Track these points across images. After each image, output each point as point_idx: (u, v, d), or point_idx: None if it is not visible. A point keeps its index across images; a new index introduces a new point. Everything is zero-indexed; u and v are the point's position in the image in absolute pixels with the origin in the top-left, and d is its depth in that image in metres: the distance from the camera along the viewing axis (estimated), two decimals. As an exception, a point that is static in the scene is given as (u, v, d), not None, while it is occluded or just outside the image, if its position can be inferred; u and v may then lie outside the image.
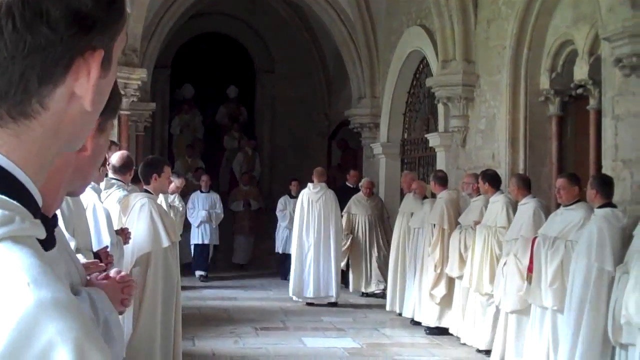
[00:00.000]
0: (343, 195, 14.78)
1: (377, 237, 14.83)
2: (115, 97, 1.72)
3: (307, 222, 13.96)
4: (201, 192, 17.10)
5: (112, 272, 2.70)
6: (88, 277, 2.67)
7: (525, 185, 9.35)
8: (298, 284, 13.76)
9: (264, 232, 18.30)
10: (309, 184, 14.17)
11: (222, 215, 17.15)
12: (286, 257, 15.78)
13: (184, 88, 21.87)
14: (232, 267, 18.36)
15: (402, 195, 14.06)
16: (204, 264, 16.86)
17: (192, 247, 16.89)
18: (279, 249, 17.00)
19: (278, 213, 17.04)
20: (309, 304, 13.61)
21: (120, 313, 2.77)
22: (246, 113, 22.83)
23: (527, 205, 9.09)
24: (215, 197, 17.25)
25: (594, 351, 7.35)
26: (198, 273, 16.72)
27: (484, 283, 9.64)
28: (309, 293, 13.64)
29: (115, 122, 11.64)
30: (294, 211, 15.25)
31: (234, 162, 21.31)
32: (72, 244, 4.91)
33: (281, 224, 17.00)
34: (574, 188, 8.36)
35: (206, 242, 16.91)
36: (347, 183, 16.31)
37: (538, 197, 9.41)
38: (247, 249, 18.78)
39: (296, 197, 15.22)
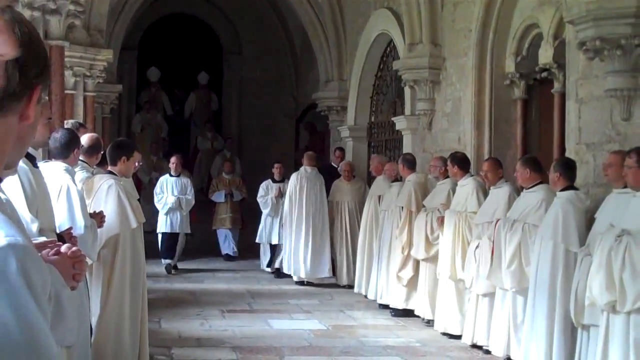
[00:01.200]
0: (330, 175, 14.58)
1: (358, 225, 13.57)
2: (48, 63, 1.75)
3: (299, 207, 13.86)
4: (170, 175, 15.51)
5: (63, 248, 2.69)
6: (39, 254, 2.66)
7: (500, 168, 9.40)
8: (294, 264, 13.94)
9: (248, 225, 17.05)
10: (305, 167, 14.22)
11: (193, 202, 15.56)
12: (271, 248, 15.25)
13: (150, 71, 21.65)
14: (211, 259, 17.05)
15: (371, 179, 14.11)
16: (171, 253, 15.27)
17: (160, 236, 15.37)
18: (262, 239, 15.49)
19: (259, 199, 15.51)
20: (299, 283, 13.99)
21: (72, 288, 2.76)
22: (217, 100, 22.55)
23: (502, 189, 9.13)
24: (186, 181, 15.64)
25: (568, 332, 7.43)
26: (165, 262, 15.24)
27: (457, 269, 9.68)
28: (305, 274, 13.85)
29: (81, 103, 11.56)
30: (275, 198, 15.11)
31: (212, 166, 20.64)
32: (35, 225, 4.89)
33: (263, 211, 15.51)
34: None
35: (176, 230, 15.26)
36: (332, 163, 15.81)
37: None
38: (233, 241, 17.21)
39: (280, 181, 15.06)
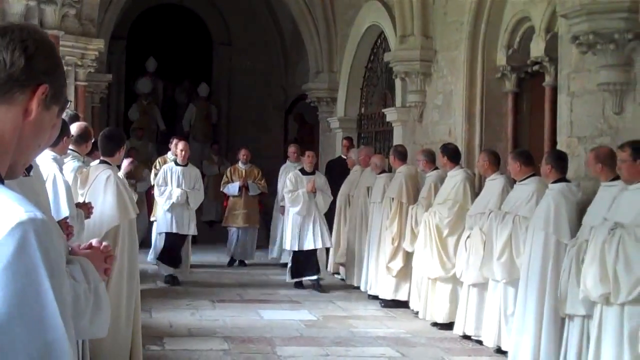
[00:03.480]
0: (342, 168, 14.05)
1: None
2: (61, 71, 1.79)
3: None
4: (177, 164, 13.05)
5: (95, 242, 2.71)
6: (70, 248, 2.68)
7: (495, 161, 9.45)
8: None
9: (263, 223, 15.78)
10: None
11: (203, 196, 13.47)
12: (301, 255, 12.57)
13: (148, 61, 21.37)
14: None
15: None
16: (173, 259, 12.80)
17: (156, 236, 13.33)
18: (294, 245, 12.59)
19: (287, 194, 12.80)
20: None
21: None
22: (217, 112, 21.85)
23: (496, 181, 9.19)
24: (196, 172, 13.27)
25: (557, 322, 7.50)
26: (164, 269, 12.81)
27: (430, 263, 9.87)
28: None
29: (72, 93, 11.53)
30: (309, 193, 12.53)
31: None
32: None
33: (291, 209, 12.75)
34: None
35: (182, 231, 12.75)
36: (341, 155, 15.02)
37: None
38: (248, 243, 15.07)
39: (311, 173, 12.78)
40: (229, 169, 15.38)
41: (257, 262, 15.24)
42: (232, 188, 14.90)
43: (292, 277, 12.64)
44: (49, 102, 1.73)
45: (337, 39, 16.72)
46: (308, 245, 12.49)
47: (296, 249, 12.50)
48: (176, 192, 12.69)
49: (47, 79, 1.71)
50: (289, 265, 12.74)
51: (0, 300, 1.35)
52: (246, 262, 15.07)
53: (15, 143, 1.69)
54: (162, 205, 12.88)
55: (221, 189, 15.19)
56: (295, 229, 12.50)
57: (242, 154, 15.16)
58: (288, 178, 12.94)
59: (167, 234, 12.75)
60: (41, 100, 1.70)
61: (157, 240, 13.27)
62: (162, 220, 12.89)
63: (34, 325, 1.37)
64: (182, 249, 12.92)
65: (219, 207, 17.82)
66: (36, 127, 1.72)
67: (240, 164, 15.14)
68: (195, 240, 13.88)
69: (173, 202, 12.65)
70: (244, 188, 14.85)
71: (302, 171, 12.88)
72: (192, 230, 12.88)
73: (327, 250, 13.69)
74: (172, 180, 12.82)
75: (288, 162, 15.31)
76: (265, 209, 16.15)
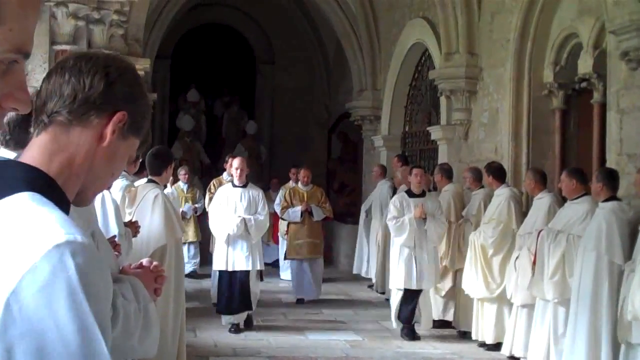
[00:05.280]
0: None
1: None
2: (144, 104, 1.78)
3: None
4: (234, 186, 10.76)
5: (145, 262, 2.69)
6: (120, 267, 2.66)
7: (542, 179, 9.35)
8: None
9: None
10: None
11: (267, 224, 11.17)
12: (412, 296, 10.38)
13: (190, 93, 21.48)
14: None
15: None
16: (232, 304, 10.54)
17: (212, 275, 11.71)
18: (411, 282, 10.30)
19: (391, 223, 10.48)
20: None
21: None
22: (266, 152, 21.29)
23: (543, 200, 9.11)
24: (257, 194, 10.75)
25: (613, 347, 7.34)
26: (227, 320, 10.61)
27: (474, 282, 9.77)
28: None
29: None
30: (417, 219, 10.27)
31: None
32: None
33: (396, 239, 10.49)
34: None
35: (243, 267, 10.39)
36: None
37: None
38: (315, 277, 13.11)
39: (421, 195, 10.52)
40: (287, 191, 13.44)
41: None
42: (294, 214, 13.02)
43: (403, 321, 10.46)
44: (126, 131, 1.72)
45: (381, 56, 16.68)
46: (417, 284, 10.30)
47: (402, 287, 10.34)
48: (234, 221, 10.40)
49: (126, 107, 1.71)
50: (396, 306, 10.45)
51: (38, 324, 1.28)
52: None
53: (87, 168, 1.67)
54: (216, 236, 10.80)
55: (280, 215, 13.52)
56: (402, 263, 10.33)
57: (303, 174, 13.31)
58: (392, 202, 10.70)
59: (220, 272, 10.70)
60: (117, 127, 1.69)
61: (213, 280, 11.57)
62: (217, 255, 10.66)
63: (75, 350, 1.28)
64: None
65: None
66: (110, 154, 1.70)
67: (300, 185, 13.31)
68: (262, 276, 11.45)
69: (230, 233, 10.43)
70: (306, 213, 13.10)
71: (409, 193, 10.65)
72: (255, 264, 10.52)
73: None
74: (228, 205, 10.57)
75: (291, 183, 14.20)
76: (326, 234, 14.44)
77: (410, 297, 10.33)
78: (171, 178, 13.09)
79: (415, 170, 10.75)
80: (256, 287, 10.71)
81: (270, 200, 14.11)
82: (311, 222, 13.02)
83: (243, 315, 10.62)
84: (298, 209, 12.98)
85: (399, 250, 10.42)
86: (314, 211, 13.04)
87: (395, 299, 10.46)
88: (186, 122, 20.98)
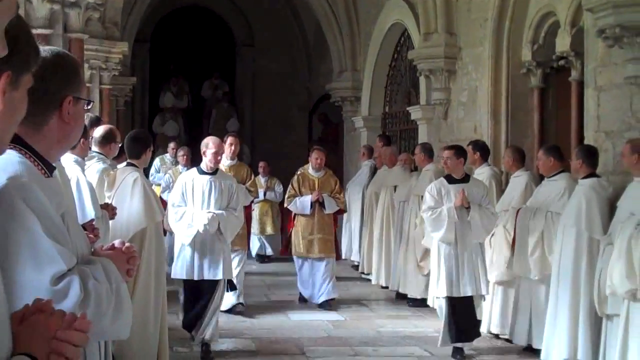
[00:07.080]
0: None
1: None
2: (23, 49, 1.81)
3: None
4: (201, 172, 8.50)
5: (117, 243, 2.69)
6: (93, 249, 2.66)
7: (520, 157, 9.40)
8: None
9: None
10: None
11: (242, 222, 9.11)
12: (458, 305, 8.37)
13: (166, 98, 21.37)
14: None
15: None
16: (194, 318, 8.23)
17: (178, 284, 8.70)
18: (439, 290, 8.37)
19: (427, 216, 8.56)
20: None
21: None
22: (248, 152, 20.33)
23: (520, 178, 9.15)
24: (231, 184, 8.65)
25: (592, 321, 7.39)
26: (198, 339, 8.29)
27: None
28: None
29: (97, 96, 11.57)
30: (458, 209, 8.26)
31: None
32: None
33: (433, 235, 8.65)
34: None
35: (209, 275, 8.17)
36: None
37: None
38: (327, 280, 11.07)
39: (462, 180, 8.51)
40: (296, 177, 11.26)
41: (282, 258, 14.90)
42: (302, 204, 11.02)
43: (452, 339, 8.35)
44: (15, 82, 1.78)
45: (360, 38, 16.68)
46: (464, 290, 8.32)
47: (448, 295, 8.31)
48: (201, 218, 8.25)
49: (7, 66, 1.75)
50: (444, 320, 8.34)
51: None
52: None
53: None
54: (182, 236, 8.38)
55: (286, 205, 11.37)
56: (442, 264, 8.35)
57: (315, 156, 11.18)
58: (428, 190, 8.68)
59: (185, 281, 8.37)
60: (6, 87, 1.75)
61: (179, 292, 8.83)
62: (181, 260, 8.34)
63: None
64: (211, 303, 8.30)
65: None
66: (10, 109, 1.78)
67: (310, 170, 11.22)
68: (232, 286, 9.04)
69: (196, 233, 8.25)
70: (316, 203, 11.14)
71: (449, 178, 8.63)
72: (227, 273, 8.35)
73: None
74: (193, 197, 8.44)
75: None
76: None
77: (459, 306, 8.34)
78: (170, 159, 13.04)
79: (446, 152, 8.70)
80: (218, 304, 8.35)
81: (260, 186, 13.51)
82: (322, 214, 11.06)
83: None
84: (308, 198, 10.98)
85: (437, 249, 8.51)
86: (326, 202, 11.03)
87: (442, 311, 8.40)
88: (170, 127, 20.93)
